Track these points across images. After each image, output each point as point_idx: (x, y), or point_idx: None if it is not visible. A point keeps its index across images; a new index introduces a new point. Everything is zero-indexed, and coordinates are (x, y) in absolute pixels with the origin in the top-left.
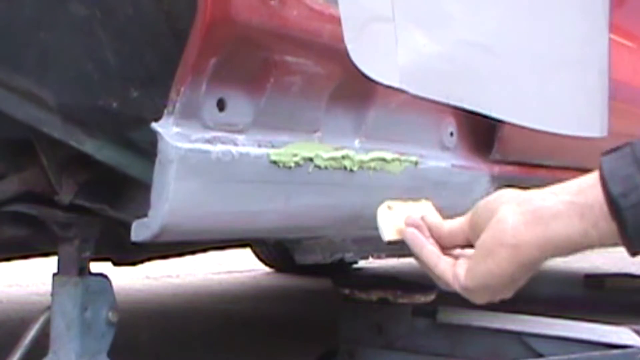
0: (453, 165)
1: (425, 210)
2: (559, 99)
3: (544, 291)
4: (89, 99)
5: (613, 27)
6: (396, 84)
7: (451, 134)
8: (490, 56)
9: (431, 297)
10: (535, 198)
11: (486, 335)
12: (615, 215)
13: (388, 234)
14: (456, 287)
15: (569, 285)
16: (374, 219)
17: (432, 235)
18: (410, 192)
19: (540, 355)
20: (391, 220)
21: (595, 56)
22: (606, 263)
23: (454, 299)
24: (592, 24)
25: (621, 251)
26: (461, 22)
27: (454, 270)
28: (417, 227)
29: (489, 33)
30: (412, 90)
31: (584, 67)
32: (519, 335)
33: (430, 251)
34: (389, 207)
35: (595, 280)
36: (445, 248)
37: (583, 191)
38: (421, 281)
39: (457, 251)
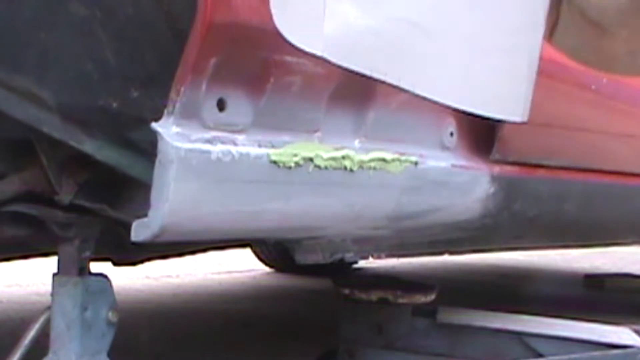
0: (453, 165)
1: None
2: (484, 82)
3: (544, 291)
4: (89, 99)
5: None
6: (318, 52)
7: (451, 134)
8: (420, 34)
9: (431, 297)
10: None
11: (486, 335)
12: None
13: None
14: None
15: (569, 285)
16: (374, 219)
17: None
18: (410, 192)
19: (540, 355)
20: None
21: (527, 46)
22: (606, 263)
23: (454, 299)
24: (529, 14)
25: (621, 251)
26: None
27: None
28: None
29: (422, 12)
30: (335, 59)
31: (514, 55)
32: (519, 335)
33: None
34: None
35: (595, 280)
36: None
37: None
38: (421, 281)
39: None
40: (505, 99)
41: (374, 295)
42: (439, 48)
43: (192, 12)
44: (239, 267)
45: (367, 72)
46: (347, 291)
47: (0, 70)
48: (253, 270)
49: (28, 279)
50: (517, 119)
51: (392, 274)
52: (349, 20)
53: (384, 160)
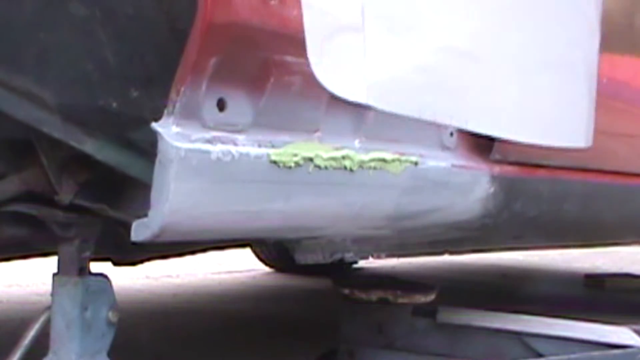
0: (453, 165)
1: None
2: (541, 107)
3: (544, 291)
4: (89, 99)
5: None
6: (363, 101)
7: (451, 134)
8: (467, 63)
9: (431, 297)
10: None
11: (486, 335)
12: None
13: None
14: None
15: (569, 285)
16: (374, 219)
17: None
18: (411, 192)
19: (540, 355)
20: None
21: (583, 59)
22: (606, 263)
23: (454, 299)
24: (582, 24)
25: (621, 251)
26: (438, 27)
27: None
28: None
29: (467, 37)
30: (380, 106)
31: (571, 72)
32: (519, 335)
33: None
34: None
35: (595, 280)
36: None
37: None
38: (421, 281)
39: None
40: (566, 123)
41: (374, 295)
42: (489, 76)
43: (192, 12)
44: (239, 267)
45: (416, 115)
46: (347, 291)
47: (0, 70)
48: (253, 270)
49: (28, 279)
50: (580, 144)
51: (392, 274)
52: (391, 61)
53: (384, 160)
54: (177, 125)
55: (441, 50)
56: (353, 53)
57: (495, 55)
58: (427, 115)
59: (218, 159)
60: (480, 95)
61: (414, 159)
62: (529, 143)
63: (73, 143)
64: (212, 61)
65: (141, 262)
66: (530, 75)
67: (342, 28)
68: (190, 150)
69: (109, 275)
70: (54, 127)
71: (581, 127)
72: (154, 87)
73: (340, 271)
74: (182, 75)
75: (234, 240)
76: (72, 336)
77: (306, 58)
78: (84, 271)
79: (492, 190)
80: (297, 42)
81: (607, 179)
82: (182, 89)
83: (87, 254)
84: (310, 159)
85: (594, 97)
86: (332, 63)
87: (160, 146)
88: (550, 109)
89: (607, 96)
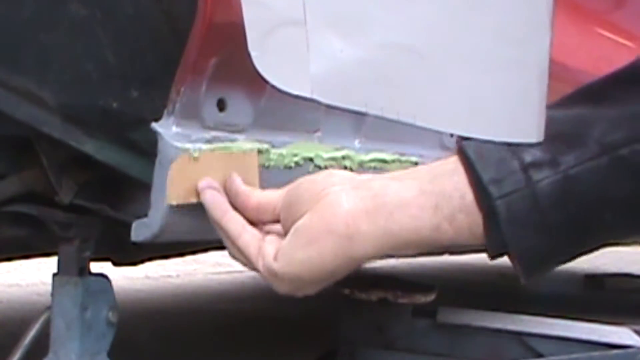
0: None
1: (243, 165)
2: (491, 103)
3: (544, 291)
4: (89, 99)
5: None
6: (307, 95)
7: (451, 134)
8: (415, 58)
9: (431, 297)
10: (376, 184)
11: (486, 335)
12: (483, 205)
13: (176, 194)
14: (258, 267)
15: (569, 285)
16: None
17: (236, 203)
18: None
19: (540, 355)
20: (188, 176)
21: (535, 56)
22: (606, 263)
23: (454, 299)
24: (533, 22)
25: (621, 251)
26: (384, 22)
27: (260, 247)
28: (216, 191)
29: (416, 33)
30: (326, 100)
31: (521, 68)
32: (519, 335)
33: (233, 218)
34: (193, 158)
35: (595, 280)
36: (249, 222)
37: (437, 178)
38: (421, 281)
39: (266, 226)
40: (517, 120)
41: (374, 295)
42: (437, 72)
43: (192, 12)
44: (239, 267)
45: (363, 110)
46: (347, 291)
47: (0, 70)
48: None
49: (28, 279)
50: (532, 139)
51: (392, 274)
52: (335, 56)
53: (384, 160)
54: (177, 125)
55: (387, 46)
56: (295, 47)
57: (443, 52)
58: (374, 110)
59: None
60: (428, 91)
61: (414, 159)
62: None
63: (73, 143)
64: (212, 61)
65: (141, 262)
66: (480, 72)
67: (284, 22)
68: (190, 150)
69: (109, 275)
70: (54, 127)
71: (533, 123)
72: (154, 87)
73: None
74: (182, 75)
75: None
76: (72, 336)
77: None
78: (84, 271)
79: None
80: None
81: None
82: (182, 89)
83: (87, 254)
84: (310, 159)
85: (545, 95)
86: (275, 57)
87: (160, 146)
88: (501, 106)
89: None
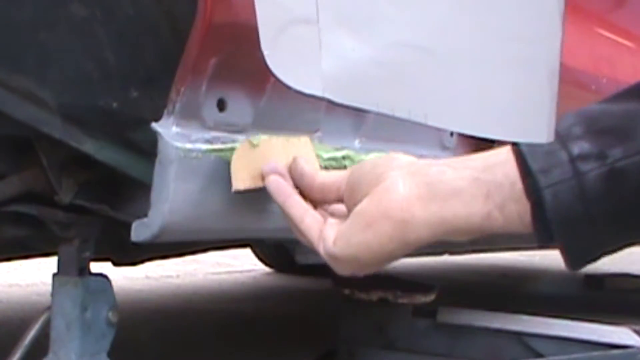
0: None
1: (299, 149)
2: (501, 103)
3: (544, 291)
4: (89, 99)
5: (613, 28)
6: (319, 93)
7: (451, 134)
8: (426, 58)
9: (431, 297)
10: (432, 170)
11: (486, 335)
12: (531, 194)
13: (241, 180)
14: (319, 250)
15: (569, 285)
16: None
17: (302, 185)
18: None
19: (540, 355)
20: (251, 162)
21: (545, 56)
22: (606, 263)
23: (454, 299)
24: (544, 22)
25: (621, 251)
26: (395, 21)
27: (321, 230)
28: (280, 175)
29: (427, 33)
30: (337, 99)
31: (533, 68)
32: (519, 335)
33: (296, 202)
34: (253, 145)
35: (595, 280)
36: (314, 202)
37: (490, 167)
38: (421, 281)
39: (330, 207)
40: (527, 119)
41: (374, 295)
42: (447, 71)
43: (192, 12)
44: (239, 267)
45: (374, 109)
46: (347, 291)
47: (0, 70)
48: (253, 270)
49: (28, 279)
50: (542, 139)
51: (392, 274)
52: (347, 55)
53: None
54: (177, 125)
55: (398, 45)
56: (307, 45)
57: (454, 51)
58: (385, 109)
59: (218, 158)
60: (439, 90)
61: None
62: (488, 138)
63: (73, 143)
64: (212, 61)
65: (141, 262)
66: (491, 72)
67: (296, 20)
68: (190, 150)
69: (109, 275)
70: (54, 127)
71: (543, 123)
72: (154, 87)
73: None
74: (182, 75)
75: (234, 240)
76: (72, 336)
77: None
78: (84, 271)
79: None
80: None
81: None
82: (182, 89)
83: (87, 254)
84: None
85: (556, 94)
86: (287, 55)
87: (160, 146)
88: (511, 105)
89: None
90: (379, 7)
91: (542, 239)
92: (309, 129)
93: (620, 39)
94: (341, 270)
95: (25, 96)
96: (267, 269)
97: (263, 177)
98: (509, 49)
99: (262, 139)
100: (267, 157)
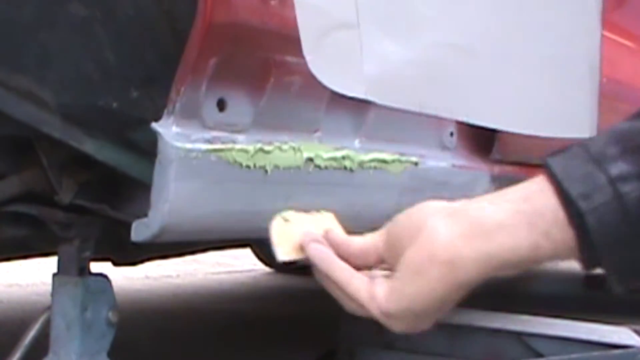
0: (453, 166)
1: (327, 223)
2: (544, 99)
3: (544, 291)
4: (89, 99)
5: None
6: (362, 96)
7: (451, 134)
8: (467, 58)
9: None
10: (471, 208)
11: (486, 335)
12: (574, 220)
13: (284, 251)
14: (373, 310)
15: (569, 285)
16: (374, 219)
17: (339, 253)
18: (411, 192)
19: (540, 355)
20: (288, 235)
21: (585, 52)
22: None
23: None
24: (583, 18)
25: None
26: (435, 23)
27: (371, 290)
28: (320, 243)
29: (466, 33)
30: (380, 101)
31: (573, 64)
32: (519, 335)
33: (340, 266)
34: (285, 220)
35: (595, 280)
36: (355, 269)
37: (529, 197)
38: None
39: (371, 272)
40: (569, 115)
41: None
42: (488, 70)
43: (192, 12)
44: (239, 267)
45: (417, 109)
46: None
47: (0, 70)
48: (253, 270)
49: (28, 279)
50: (585, 134)
51: None
52: (388, 57)
53: (384, 160)
54: (177, 125)
55: (439, 46)
56: (349, 49)
57: (494, 50)
58: (429, 110)
59: (218, 158)
60: (480, 89)
61: (414, 159)
62: (531, 135)
63: (73, 143)
64: (212, 61)
65: (141, 262)
66: (531, 69)
67: (337, 25)
68: (190, 150)
69: (109, 275)
70: (54, 127)
71: (585, 118)
72: (154, 87)
73: None
74: (182, 75)
75: (234, 240)
76: (72, 336)
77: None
78: (84, 271)
79: (492, 190)
80: (297, 42)
81: None
82: (182, 89)
83: (87, 254)
84: (310, 159)
85: (597, 90)
86: (329, 60)
87: (160, 146)
88: (553, 102)
89: (607, 96)
90: (419, 8)
91: (589, 264)
92: (309, 129)
93: (620, 39)
94: (398, 327)
95: (25, 96)
96: (267, 269)
97: (303, 248)
98: (549, 46)
99: (291, 213)
100: (301, 230)
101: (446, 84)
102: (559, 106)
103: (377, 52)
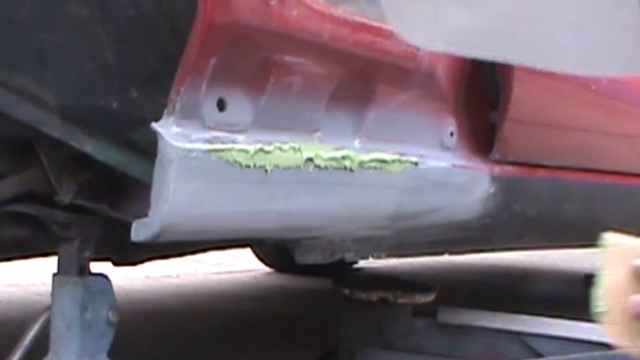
0: (453, 166)
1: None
2: (597, 43)
3: (544, 291)
4: (89, 99)
5: None
6: (441, 49)
7: (451, 134)
8: (532, 8)
9: (431, 297)
10: None
11: (486, 335)
12: None
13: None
14: None
15: (569, 285)
16: (373, 219)
17: None
18: (411, 192)
19: (540, 355)
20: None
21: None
22: None
23: (454, 299)
24: None
25: None
26: None
27: None
28: None
29: (526, 3)
30: (458, 52)
31: (617, 15)
32: (519, 335)
33: None
34: (613, 244)
35: (595, 280)
36: None
37: None
38: (421, 281)
39: None
40: (622, 55)
41: (374, 295)
42: (550, 18)
43: (192, 12)
44: (239, 267)
45: (490, 57)
46: (347, 291)
47: (0, 70)
48: (253, 270)
49: (28, 279)
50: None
51: (392, 274)
52: (463, 11)
53: (384, 160)
54: (177, 125)
55: (504, 14)
56: (428, 5)
57: (552, 12)
58: (499, 58)
59: (218, 158)
60: (544, 36)
61: (414, 159)
62: (589, 76)
63: (73, 143)
64: (212, 61)
65: (141, 262)
66: (583, 20)
67: None
68: (190, 150)
69: (109, 275)
70: (54, 127)
71: (636, 55)
72: (154, 87)
73: (340, 271)
74: (182, 75)
75: (234, 240)
76: (72, 336)
77: (306, 58)
78: (84, 271)
79: (492, 190)
80: (297, 42)
81: (607, 179)
82: (182, 89)
83: (87, 254)
84: (310, 159)
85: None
86: (409, 22)
87: (160, 146)
88: (605, 44)
89: (607, 96)
90: None
91: None
92: (309, 129)
93: None
94: None
95: (26, 96)
96: (267, 269)
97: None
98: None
99: (618, 239)
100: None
101: (513, 34)
102: (613, 47)
103: (453, 7)
